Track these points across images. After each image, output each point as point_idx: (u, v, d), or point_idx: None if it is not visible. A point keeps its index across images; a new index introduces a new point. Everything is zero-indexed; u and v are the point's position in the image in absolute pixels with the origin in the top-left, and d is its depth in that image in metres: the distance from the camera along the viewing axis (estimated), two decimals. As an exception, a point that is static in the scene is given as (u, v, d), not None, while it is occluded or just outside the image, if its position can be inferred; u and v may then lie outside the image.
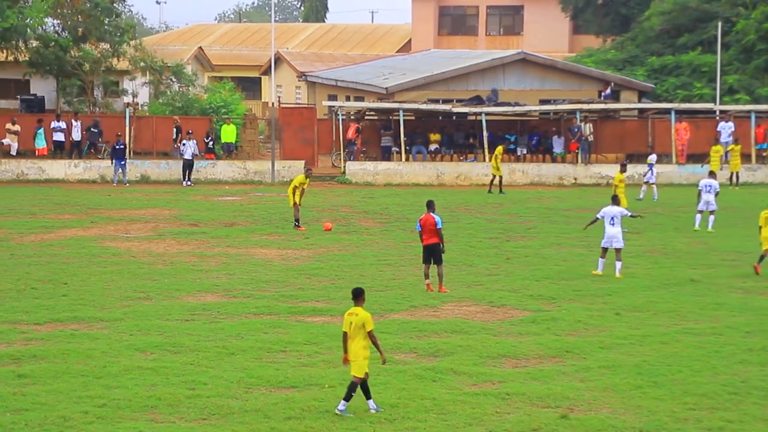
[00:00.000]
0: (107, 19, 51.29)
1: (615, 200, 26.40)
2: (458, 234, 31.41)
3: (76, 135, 46.50)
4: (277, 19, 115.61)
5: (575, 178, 46.62)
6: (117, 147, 43.96)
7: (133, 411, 15.20)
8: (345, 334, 15.22)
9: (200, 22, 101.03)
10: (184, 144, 44.48)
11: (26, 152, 46.76)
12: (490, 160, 43.95)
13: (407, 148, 47.52)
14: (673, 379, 16.96)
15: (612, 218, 25.31)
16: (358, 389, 15.12)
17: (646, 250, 29.53)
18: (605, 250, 25.53)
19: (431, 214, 23.55)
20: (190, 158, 44.57)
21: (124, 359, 17.82)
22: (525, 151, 48.77)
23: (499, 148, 43.36)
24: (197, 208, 37.24)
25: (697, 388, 16.45)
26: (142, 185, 44.11)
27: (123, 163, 44.06)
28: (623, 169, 34.29)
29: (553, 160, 48.32)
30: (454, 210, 36.65)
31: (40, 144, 46.25)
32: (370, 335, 15.06)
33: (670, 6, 61.03)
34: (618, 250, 25.29)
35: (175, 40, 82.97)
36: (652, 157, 41.91)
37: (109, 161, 44.78)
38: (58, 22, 52.36)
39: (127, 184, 43.79)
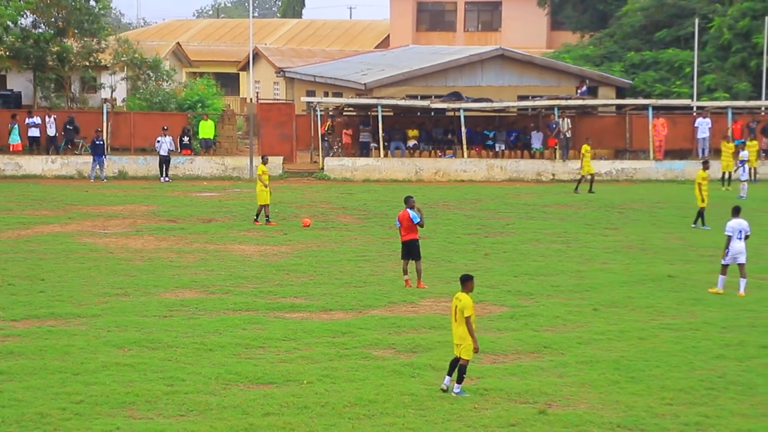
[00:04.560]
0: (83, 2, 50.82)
1: (737, 211, 23.78)
2: (437, 230, 31.42)
3: (51, 131, 46.21)
4: (255, 14, 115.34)
5: (553, 174, 46.70)
6: (96, 143, 43.76)
7: (110, 407, 15.16)
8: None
9: (178, 18, 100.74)
10: (159, 141, 44.29)
11: (2, 148, 46.49)
12: (579, 159, 43.35)
13: (386, 144, 47.50)
14: (651, 374, 17.03)
15: (740, 232, 23.36)
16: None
17: (624, 245, 29.62)
18: (727, 267, 23.34)
19: (407, 210, 23.59)
20: (166, 154, 44.39)
21: (102, 355, 17.76)
22: (503, 147, 48.79)
23: (586, 147, 42.72)
24: (175, 204, 37.13)
25: (675, 384, 16.52)
26: (120, 181, 43.93)
27: (101, 159, 43.87)
28: (706, 167, 32.99)
29: (532, 156, 48.37)
30: (432, 206, 36.64)
31: (14, 140, 45.96)
32: (466, 321, 15.80)
33: (647, 2, 61.22)
34: (742, 266, 23.24)
35: (153, 36, 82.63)
36: (744, 154, 41.38)
37: (87, 157, 44.58)
38: (36, 16, 51.96)
39: (105, 180, 43.61)
